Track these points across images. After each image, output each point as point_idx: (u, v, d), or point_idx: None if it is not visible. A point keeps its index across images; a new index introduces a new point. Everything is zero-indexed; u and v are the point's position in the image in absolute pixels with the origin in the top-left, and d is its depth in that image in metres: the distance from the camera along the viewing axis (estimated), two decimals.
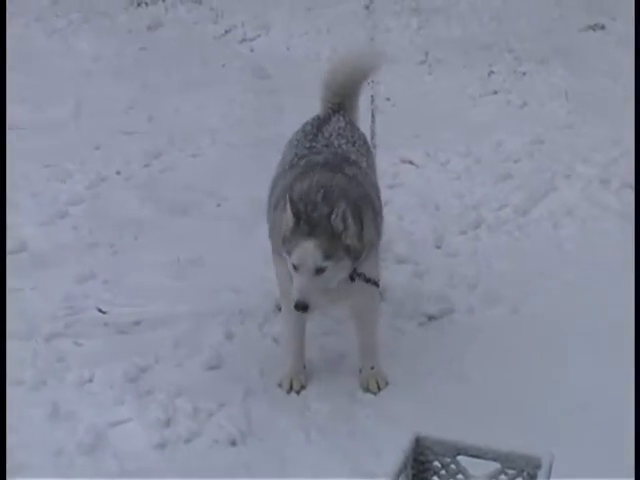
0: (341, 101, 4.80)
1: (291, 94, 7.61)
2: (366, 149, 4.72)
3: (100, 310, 4.98)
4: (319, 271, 3.83)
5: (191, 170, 6.71)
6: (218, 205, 6.14)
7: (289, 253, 3.88)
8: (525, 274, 5.22)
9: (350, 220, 3.85)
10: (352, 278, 4.03)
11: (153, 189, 6.37)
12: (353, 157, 4.45)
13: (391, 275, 5.25)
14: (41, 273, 5.30)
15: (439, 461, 3.27)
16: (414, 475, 3.27)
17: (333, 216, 3.81)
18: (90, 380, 4.36)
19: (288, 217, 3.86)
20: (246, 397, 4.25)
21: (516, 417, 4.01)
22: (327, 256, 3.82)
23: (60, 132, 7.28)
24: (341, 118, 4.70)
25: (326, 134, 4.54)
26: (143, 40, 9.46)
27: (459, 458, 3.24)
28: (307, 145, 4.50)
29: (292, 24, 9.65)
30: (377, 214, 4.27)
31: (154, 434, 4.02)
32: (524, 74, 8.15)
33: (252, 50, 9.28)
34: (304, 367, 4.39)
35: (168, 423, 4.08)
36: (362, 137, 4.78)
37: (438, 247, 5.62)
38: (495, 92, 7.93)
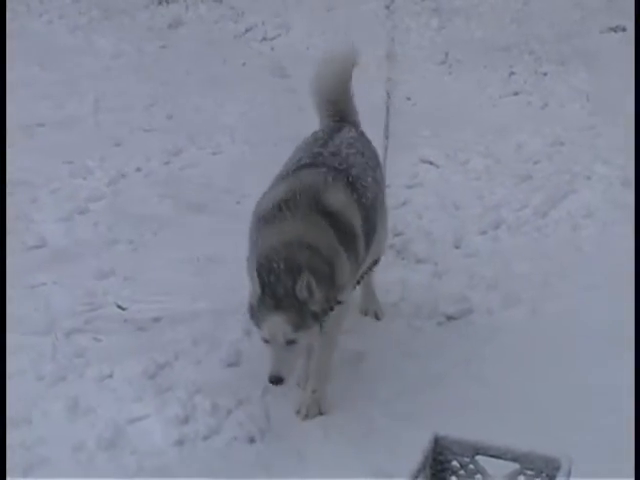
0: (339, 108, 4.73)
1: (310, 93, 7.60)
2: (375, 163, 4.64)
3: (119, 306, 5.00)
4: (290, 343, 3.79)
5: (210, 167, 6.73)
6: (237, 202, 6.15)
7: (258, 326, 3.83)
8: (544, 275, 5.21)
9: (314, 287, 3.74)
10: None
11: (173, 186, 6.39)
12: (357, 173, 4.31)
13: (410, 274, 5.27)
14: (61, 269, 5.32)
15: (457, 461, 3.26)
16: (432, 475, 3.26)
17: (297, 287, 3.71)
18: (109, 376, 4.37)
19: (255, 289, 3.77)
20: (265, 394, 4.24)
21: (535, 417, 4.00)
22: (296, 328, 3.76)
23: (80, 128, 7.33)
24: (352, 129, 4.65)
25: (337, 141, 4.47)
26: (164, 38, 9.51)
27: (478, 458, 3.23)
28: (315, 150, 4.42)
29: (312, 24, 9.67)
30: (353, 252, 4.07)
31: (173, 431, 4.02)
32: (545, 75, 8.14)
33: (272, 49, 9.31)
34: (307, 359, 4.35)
35: (187, 420, 4.09)
36: (373, 151, 4.70)
37: (457, 247, 5.61)
38: (515, 93, 7.92)
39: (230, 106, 7.81)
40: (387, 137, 5.93)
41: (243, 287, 4.97)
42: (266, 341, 3.83)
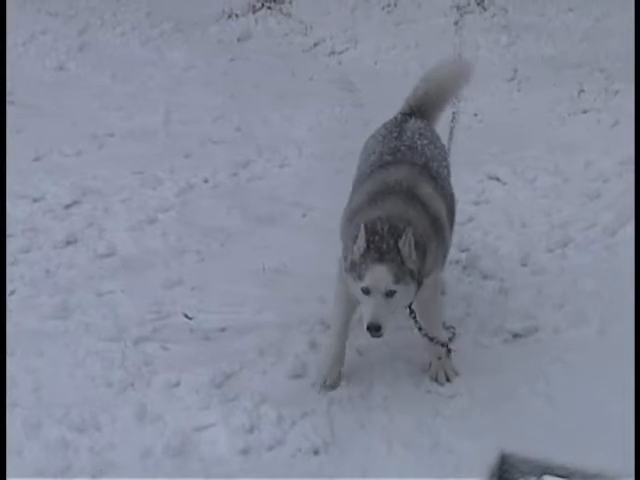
0: (425, 109, 4.94)
1: (377, 108, 7.58)
2: (445, 153, 4.90)
3: (186, 316, 5.06)
4: (389, 294, 4.03)
5: (277, 180, 6.78)
6: (303, 215, 6.19)
7: (360, 277, 4.06)
8: (613, 294, 5.13)
9: (414, 247, 4.06)
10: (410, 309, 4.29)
11: (240, 198, 6.45)
12: (435, 166, 4.60)
13: (476, 290, 5.25)
14: (130, 277, 5.41)
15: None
16: None
17: (401, 242, 4.03)
18: (177, 384, 4.42)
19: (360, 244, 4.04)
20: (330, 406, 4.27)
21: (603, 438, 3.94)
22: (397, 280, 4.04)
23: (150, 139, 7.44)
24: (418, 120, 4.85)
25: (409, 133, 4.70)
26: (233, 51, 9.61)
27: (545, 477, 3.21)
28: (392, 145, 4.64)
29: (380, 38, 9.68)
30: (442, 240, 4.39)
31: (238, 440, 4.06)
32: (616, 93, 8.04)
33: (340, 63, 9.34)
34: (342, 363, 4.47)
35: (252, 429, 4.12)
36: (440, 141, 4.92)
37: (524, 265, 5.57)
38: (585, 111, 7.83)
39: (298, 119, 7.86)
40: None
41: (309, 299, 5.07)
42: (367, 292, 4.05)
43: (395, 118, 4.92)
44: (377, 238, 4.06)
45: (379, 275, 4.02)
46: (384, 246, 4.05)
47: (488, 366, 4.59)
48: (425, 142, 4.68)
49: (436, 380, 4.45)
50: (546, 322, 4.92)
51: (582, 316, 4.94)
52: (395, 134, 4.71)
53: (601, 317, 4.92)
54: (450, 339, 4.50)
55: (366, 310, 4.05)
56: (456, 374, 4.46)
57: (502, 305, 5.10)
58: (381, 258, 4.03)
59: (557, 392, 4.33)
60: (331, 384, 4.41)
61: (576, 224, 5.95)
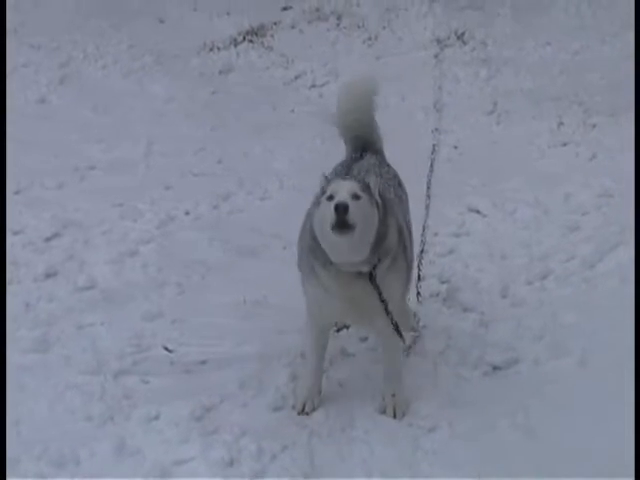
0: (362, 137, 4.95)
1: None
2: (396, 182, 4.87)
3: (167, 349, 5.05)
4: (355, 197, 4.02)
5: (258, 212, 6.80)
6: (284, 248, 6.19)
7: (324, 190, 4.13)
8: (593, 326, 5.15)
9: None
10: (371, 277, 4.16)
11: (221, 230, 6.47)
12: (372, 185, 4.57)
13: (456, 323, 5.26)
14: (110, 310, 5.40)
15: None
16: None
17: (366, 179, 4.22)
18: (156, 417, 4.41)
19: (323, 183, 4.23)
20: (310, 439, 4.27)
21: (584, 471, 3.95)
22: (362, 189, 4.09)
23: (132, 171, 7.45)
24: (373, 156, 4.86)
25: (355, 171, 4.69)
26: (214, 84, 9.65)
27: None
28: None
29: (361, 72, 9.74)
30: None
31: (218, 473, 4.05)
32: (593, 126, 8.12)
33: (321, 96, 9.39)
34: (320, 390, 4.50)
35: (232, 463, 4.11)
36: (392, 172, 4.92)
37: (504, 297, 5.59)
38: (564, 144, 7.90)
39: (279, 152, 7.90)
40: (429, 196, 6.07)
41: (290, 331, 5.08)
42: (331, 198, 4.04)
43: (346, 159, 4.94)
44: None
45: (342, 184, 4.11)
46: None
47: (468, 399, 4.60)
48: (372, 178, 4.53)
49: (384, 413, 4.45)
50: (526, 354, 4.93)
51: (562, 348, 4.96)
52: (343, 174, 4.67)
53: (582, 349, 4.94)
54: (411, 343, 4.62)
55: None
56: (404, 414, 4.44)
57: (482, 337, 5.12)
58: (344, 178, 4.26)
59: (537, 425, 4.33)
60: (309, 411, 4.44)
61: (556, 256, 5.99)
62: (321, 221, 4.09)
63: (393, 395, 4.47)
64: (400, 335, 4.39)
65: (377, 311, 4.25)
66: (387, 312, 4.26)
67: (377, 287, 4.18)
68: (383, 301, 4.22)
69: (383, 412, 4.45)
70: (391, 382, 4.50)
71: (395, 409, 4.44)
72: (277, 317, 5.28)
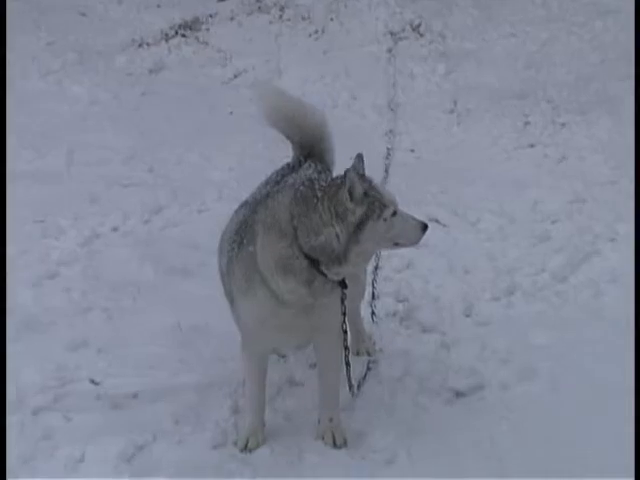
0: (303, 143, 4.94)
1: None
2: None
3: (93, 381, 5.01)
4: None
5: (195, 227, 6.78)
6: None
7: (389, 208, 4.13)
8: (564, 346, 5.23)
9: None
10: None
11: (153, 248, 6.44)
12: None
13: (415, 346, 5.29)
14: (29, 339, 5.34)
15: None
16: None
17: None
18: (81, 459, 4.37)
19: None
20: (254, 478, 4.26)
21: None
22: None
23: (53, 183, 7.38)
24: (312, 165, 4.81)
25: (290, 182, 4.62)
26: (144, 84, 9.65)
27: None
28: (263, 192, 4.70)
29: (307, 68, 9.81)
30: None
31: None
32: (563, 125, 8.22)
33: None
34: (263, 423, 4.51)
35: None
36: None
37: (467, 315, 5.65)
38: (531, 145, 8.01)
39: (217, 159, 7.90)
40: None
41: (231, 359, 5.07)
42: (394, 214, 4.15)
43: (283, 168, 4.94)
44: None
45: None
46: None
47: (429, 428, 4.63)
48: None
49: (322, 439, 4.47)
50: (491, 378, 4.98)
51: (530, 371, 5.02)
52: (272, 183, 4.74)
53: (551, 372, 5.00)
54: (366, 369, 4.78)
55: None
56: (345, 442, 4.46)
57: (444, 361, 5.16)
58: None
59: (504, 455, 4.38)
60: (253, 448, 4.44)
61: (523, 269, 6.06)
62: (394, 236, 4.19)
63: (330, 420, 4.48)
64: (346, 348, 4.45)
65: (325, 321, 4.29)
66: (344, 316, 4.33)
67: (344, 295, 4.26)
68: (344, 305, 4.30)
69: (321, 438, 4.47)
70: (329, 405, 4.51)
71: (334, 435, 4.45)
72: (216, 343, 5.27)
